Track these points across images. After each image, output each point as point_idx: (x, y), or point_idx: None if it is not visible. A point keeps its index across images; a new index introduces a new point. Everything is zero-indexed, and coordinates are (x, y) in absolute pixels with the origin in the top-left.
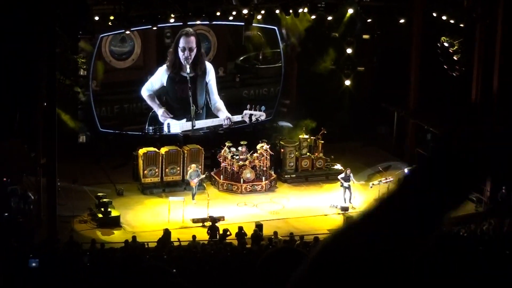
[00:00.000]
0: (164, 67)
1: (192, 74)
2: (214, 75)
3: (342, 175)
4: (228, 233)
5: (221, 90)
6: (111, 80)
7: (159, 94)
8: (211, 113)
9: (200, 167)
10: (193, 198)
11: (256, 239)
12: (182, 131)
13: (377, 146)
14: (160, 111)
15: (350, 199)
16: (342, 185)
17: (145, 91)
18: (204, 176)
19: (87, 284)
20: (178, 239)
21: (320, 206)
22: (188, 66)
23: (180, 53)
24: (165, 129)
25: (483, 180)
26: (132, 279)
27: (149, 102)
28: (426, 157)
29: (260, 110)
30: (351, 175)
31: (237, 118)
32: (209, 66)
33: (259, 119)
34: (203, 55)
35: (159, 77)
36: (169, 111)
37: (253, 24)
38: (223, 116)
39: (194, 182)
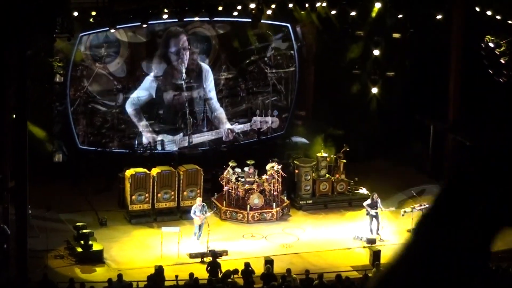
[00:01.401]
0: (152, 76)
1: (187, 80)
2: (213, 80)
3: (368, 201)
4: (250, 268)
5: (222, 99)
6: (93, 88)
7: (147, 107)
8: (211, 125)
9: (199, 193)
10: (198, 239)
11: (266, 278)
12: (177, 149)
13: (411, 166)
14: (144, 129)
15: (378, 230)
16: (368, 213)
17: (130, 106)
18: (211, 212)
19: None
20: (176, 276)
21: (341, 238)
22: (183, 71)
23: (173, 57)
24: (159, 147)
25: None
26: None
27: (134, 119)
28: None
29: (272, 116)
30: (379, 200)
31: (242, 127)
32: (207, 70)
33: (272, 126)
34: (199, 58)
35: (146, 88)
36: (161, 124)
37: (262, 21)
38: (225, 127)
39: (197, 220)
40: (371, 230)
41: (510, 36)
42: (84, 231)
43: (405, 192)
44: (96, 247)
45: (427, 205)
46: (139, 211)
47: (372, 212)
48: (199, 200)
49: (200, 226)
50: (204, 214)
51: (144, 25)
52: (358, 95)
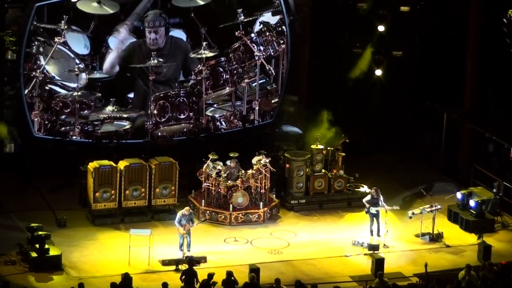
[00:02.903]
0: (117, 53)
1: (160, 59)
2: (191, 59)
3: (368, 197)
4: (212, 280)
5: (202, 81)
6: (51, 67)
7: (114, 91)
8: (188, 111)
9: (173, 189)
10: (182, 250)
11: None
12: (148, 139)
13: (420, 160)
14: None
15: (378, 232)
16: (367, 212)
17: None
18: (199, 222)
19: None
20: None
21: (339, 244)
22: (155, 48)
23: (143, 32)
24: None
25: None
26: None
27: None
28: None
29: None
30: (381, 197)
31: (224, 114)
32: (184, 47)
33: (258, 112)
34: (174, 33)
35: (111, 66)
36: (130, 110)
37: None
38: (204, 114)
39: (182, 229)
40: (371, 232)
41: None
42: (40, 233)
43: (414, 191)
44: (53, 251)
45: (438, 206)
46: (104, 211)
47: (373, 210)
48: (187, 208)
49: (187, 236)
50: (191, 223)
51: None
52: (359, 78)
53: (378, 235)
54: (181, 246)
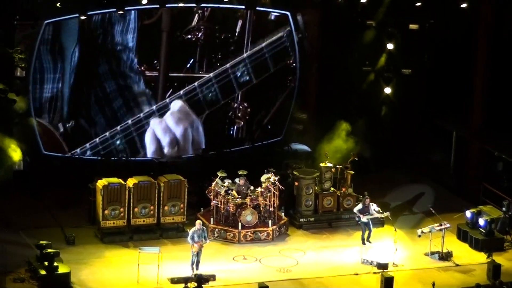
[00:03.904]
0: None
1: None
2: None
3: (359, 206)
4: None
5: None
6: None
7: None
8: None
9: (182, 207)
10: (193, 268)
11: None
12: (157, 157)
13: (429, 178)
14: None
15: (369, 238)
16: (359, 221)
17: None
18: (212, 239)
19: None
20: None
21: (348, 262)
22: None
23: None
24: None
25: None
26: None
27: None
28: None
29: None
30: (371, 206)
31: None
32: None
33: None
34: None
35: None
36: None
37: (258, 8)
38: None
39: (196, 246)
40: (363, 240)
41: None
42: (49, 250)
43: (423, 209)
44: (62, 269)
45: (448, 225)
46: (113, 228)
47: (364, 219)
48: (198, 223)
49: (198, 254)
50: (204, 240)
51: (120, 12)
52: (369, 96)
53: (369, 241)
54: (192, 264)
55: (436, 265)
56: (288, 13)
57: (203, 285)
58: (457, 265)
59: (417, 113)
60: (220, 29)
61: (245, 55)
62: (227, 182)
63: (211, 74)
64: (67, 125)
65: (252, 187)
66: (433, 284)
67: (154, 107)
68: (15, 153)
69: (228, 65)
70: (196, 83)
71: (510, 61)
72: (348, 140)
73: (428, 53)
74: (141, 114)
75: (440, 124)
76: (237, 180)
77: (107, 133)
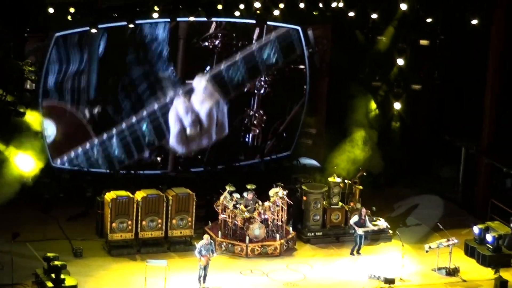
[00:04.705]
0: None
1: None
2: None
3: (355, 218)
4: None
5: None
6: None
7: None
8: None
9: (190, 221)
10: (200, 282)
11: None
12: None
13: (438, 194)
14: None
15: (359, 250)
16: (354, 234)
17: None
18: (218, 253)
19: None
20: None
21: (355, 277)
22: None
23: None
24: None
25: None
26: None
27: None
28: None
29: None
30: (367, 218)
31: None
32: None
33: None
34: None
35: None
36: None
37: (268, 23)
38: None
39: (203, 260)
40: (352, 251)
41: None
42: (56, 263)
43: (431, 225)
44: (69, 282)
45: (455, 240)
46: (121, 241)
47: (360, 231)
48: (206, 237)
49: (205, 268)
50: (211, 254)
51: (131, 25)
52: (379, 111)
53: (359, 253)
54: (200, 278)
55: (444, 281)
56: (299, 28)
57: None
58: (464, 280)
59: (427, 129)
60: (237, 36)
61: (272, 36)
62: (235, 196)
63: (238, 57)
64: (94, 111)
65: (260, 202)
66: None
67: (180, 91)
68: (25, 166)
69: (254, 46)
70: (222, 65)
71: None
72: (364, 148)
73: (438, 69)
74: (167, 98)
75: (449, 140)
76: (245, 194)
77: (133, 119)
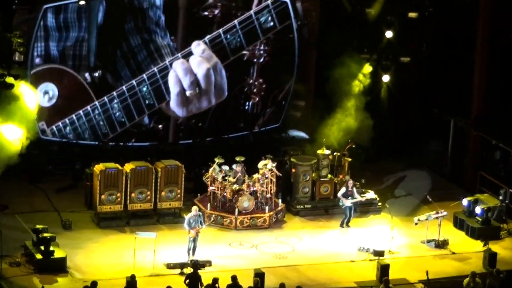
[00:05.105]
0: None
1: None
2: None
3: (343, 190)
4: (217, 285)
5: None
6: None
7: None
8: None
9: (179, 193)
10: (189, 254)
11: None
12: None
13: (427, 167)
14: None
15: (348, 222)
16: (343, 205)
17: None
18: (207, 224)
19: None
20: None
21: (344, 250)
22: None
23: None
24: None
25: None
26: None
27: None
28: None
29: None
30: (355, 189)
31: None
32: None
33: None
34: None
35: None
36: None
37: None
38: None
39: (193, 232)
40: (342, 223)
41: None
42: (45, 235)
43: (420, 197)
44: (58, 254)
45: (444, 213)
46: (110, 213)
47: (348, 203)
48: (194, 209)
49: (194, 240)
50: (200, 225)
51: None
52: (367, 84)
53: (348, 225)
54: (189, 250)
55: (432, 253)
56: (287, 0)
57: (198, 271)
58: (453, 253)
59: (415, 101)
60: (237, 6)
61: (269, 1)
62: (224, 168)
63: (235, 21)
64: (95, 75)
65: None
66: (427, 273)
67: (179, 54)
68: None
69: (252, 11)
70: (220, 30)
71: (509, 50)
72: (353, 119)
73: (427, 41)
74: (167, 61)
75: (438, 113)
76: (234, 166)
77: (133, 81)
